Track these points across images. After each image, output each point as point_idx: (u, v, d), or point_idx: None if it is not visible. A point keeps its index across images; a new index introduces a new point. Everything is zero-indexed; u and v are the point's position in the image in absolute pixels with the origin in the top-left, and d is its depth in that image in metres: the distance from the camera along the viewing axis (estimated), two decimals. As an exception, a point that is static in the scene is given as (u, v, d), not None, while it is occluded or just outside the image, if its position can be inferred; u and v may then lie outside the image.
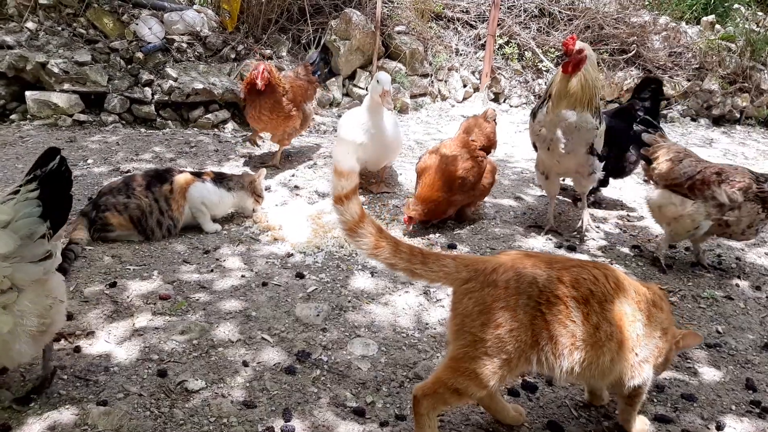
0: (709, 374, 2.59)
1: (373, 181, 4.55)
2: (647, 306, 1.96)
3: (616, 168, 4.32)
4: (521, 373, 2.24)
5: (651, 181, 3.63)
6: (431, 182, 3.64)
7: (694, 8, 9.63)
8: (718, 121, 8.29)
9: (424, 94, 7.49)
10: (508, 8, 8.19)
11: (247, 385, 2.28)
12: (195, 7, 6.75)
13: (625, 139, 3.99)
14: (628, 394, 2.04)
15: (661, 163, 3.49)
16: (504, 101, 7.88)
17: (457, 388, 1.82)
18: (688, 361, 2.67)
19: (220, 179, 3.61)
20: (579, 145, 3.53)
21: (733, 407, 2.38)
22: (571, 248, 3.71)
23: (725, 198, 3.26)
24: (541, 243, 3.79)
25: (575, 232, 3.94)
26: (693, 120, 8.21)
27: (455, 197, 3.69)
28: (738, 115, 8.35)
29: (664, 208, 3.45)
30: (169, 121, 5.90)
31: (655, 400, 2.38)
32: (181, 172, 3.55)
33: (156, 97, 5.85)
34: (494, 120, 4.13)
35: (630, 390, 2.01)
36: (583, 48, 3.40)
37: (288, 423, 2.08)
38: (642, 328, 1.92)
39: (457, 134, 3.99)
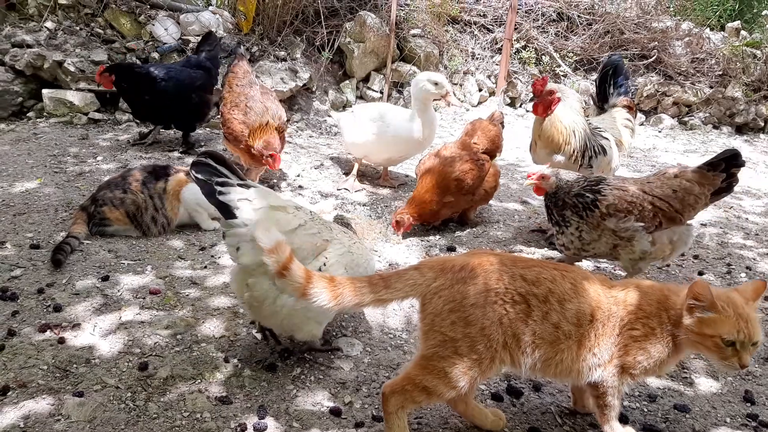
0: (706, 385, 2.50)
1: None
2: (611, 308, 1.88)
3: (200, 114, 5.10)
4: (493, 375, 2.17)
5: None
6: (425, 184, 3.60)
7: (719, 14, 9.42)
8: (741, 129, 8.08)
9: (437, 98, 7.43)
10: (525, 12, 8.11)
11: (226, 381, 2.26)
12: (211, 8, 6.82)
13: (202, 87, 4.96)
14: (595, 396, 1.96)
15: None
16: (520, 106, 7.79)
17: (426, 386, 1.79)
18: (685, 371, 2.58)
19: (217, 178, 3.60)
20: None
21: (728, 420, 2.29)
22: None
23: None
24: (542, 248, 3.72)
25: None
26: (715, 128, 8.01)
27: (449, 199, 3.62)
28: (762, 124, 8.11)
29: None
30: (182, 121, 5.94)
31: (645, 410, 2.30)
32: (177, 171, 3.55)
33: (169, 96, 5.91)
34: (501, 123, 4.08)
35: (593, 391, 1.95)
36: (554, 90, 3.36)
37: (261, 420, 2.05)
38: (602, 329, 1.86)
39: (460, 137, 3.94)
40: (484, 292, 1.77)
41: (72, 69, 5.63)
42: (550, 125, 3.44)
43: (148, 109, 4.97)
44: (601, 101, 4.23)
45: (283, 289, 1.95)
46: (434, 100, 4.33)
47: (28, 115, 5.68)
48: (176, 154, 4.98)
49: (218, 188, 2.06)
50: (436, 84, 4.11)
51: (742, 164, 2.90)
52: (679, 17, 8.95)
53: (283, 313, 2.18)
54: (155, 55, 6.11)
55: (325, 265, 2.23)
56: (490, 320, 1.76)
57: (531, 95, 7.78)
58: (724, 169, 2.89)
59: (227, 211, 2.07)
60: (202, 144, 5.43)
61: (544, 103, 3.42)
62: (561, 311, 1.82)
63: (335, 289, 1.79)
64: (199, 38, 6.39)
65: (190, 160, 4.81)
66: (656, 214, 2.88)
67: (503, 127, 4.11)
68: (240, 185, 2.11)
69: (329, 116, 6.50)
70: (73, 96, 5.66)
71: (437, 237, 3.74)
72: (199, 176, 2.05)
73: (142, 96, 4.86)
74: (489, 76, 7.79)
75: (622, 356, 1.89)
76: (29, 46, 5.77)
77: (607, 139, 3.74)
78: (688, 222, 3.00)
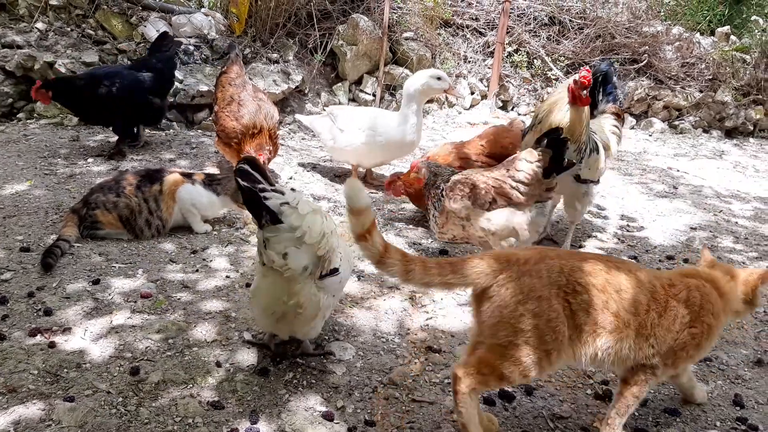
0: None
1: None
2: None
3: (155, 116, 4.99)
4: (558, 369, 2.23)
5: None
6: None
7: (708, 19, 9.50)
8: (730, 133, 8.15)
9: (431, 101, 7.44)
10: (517, 16, 8.14)
11: (218, 385, 2.25)
12: (203, 10, 6.80)
13: (151, 89, 4.79)
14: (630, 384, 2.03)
15: None
16: (512, 109, 7.82)
17: (503, 373, 1.86)
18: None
19: (210, 182, 3.59)
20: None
21: (718, 423, 2.31)
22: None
23: None
24: (534, 251, 3.73)
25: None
26: (705, 131, 8.08)
27: None
28: (751, 128, 8.20)
29: None
30: (174, 123, 5.93)
31: (636, 414, 2.31)
32: (172, 173, 3.54)
33: (161, 98, 5.89)
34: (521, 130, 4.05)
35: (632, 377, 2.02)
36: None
37: (253, 425, 2.05)
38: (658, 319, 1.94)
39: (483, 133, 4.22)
40: (548, 285, 1.85)
41: (63, 70, 5.59)
42: (577, 115, 3.38)
43: (95, 114, 4.80)
44: (590, 107, 4.24)
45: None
46: (436, 96, 4.47)
47: (18, 116, 5.63)
48: (168, 156, 4.96)
49: (262, 194, 2.01)
50: (439, 79, 4.16)
51: (563, 141, 3.00)
52: (669, 22, 9.02)
53: (318, 315, 2.23)
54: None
55: (340, 260, 2.27)
56: (555, 312, 1.84)
57: (532, 91, 7.82)
58: (548, 145, 3.01)
59: (274, 217, 2.02)
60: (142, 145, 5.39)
61: (582, 96, 3.39)
62: (619, 300, 1.89)
63: (407, 264, 1.86)
64: (192, 40, 6.39)
65: (182, 161, 4.80)
66: (487, 192, 3.10)
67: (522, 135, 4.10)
68: (274, 190, 2.06)
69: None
70: (63, 97, 5.61)
71: (429, 241, 3.75)
72: (244, 184, 1.99)
73: (86, 106, 4.69)
74: (481, 80, 7.82)
75: (675, 348, 1.98)
76: (19, 47, 5.73)
77: (597, 141, 3.76)
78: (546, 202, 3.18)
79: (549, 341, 1.84)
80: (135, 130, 5.08)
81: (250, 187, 1.99)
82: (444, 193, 3.22)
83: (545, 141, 3.03)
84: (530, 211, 3.11)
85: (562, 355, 1.89)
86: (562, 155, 3.01)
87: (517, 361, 1.85)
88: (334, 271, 2.24)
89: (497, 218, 3.10)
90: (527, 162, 3.07)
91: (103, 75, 4.74)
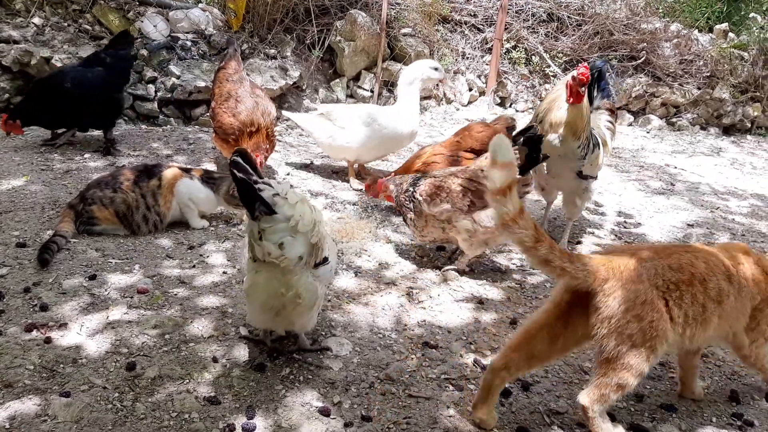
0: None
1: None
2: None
3: (114, 111, 4.91)
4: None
5: None
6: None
7: (707, 16, 9.49)
8: (728, 131, 8.16)
9: (428, 97, 7.45)
10: (516, 12, 8.13)
11: (214, 381, 2.25)
12: (201, 5, 6.77)
13: (116, 84, 4.82)
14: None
15: None
16: (510, 106, 7.82)
17: (619, 383, 1.97)
18: (672, 370, 2.60)
19: (208, 178, 3.58)
20: (565, 170, 3.49)
21: (714, 419, 2.31)
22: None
23: None
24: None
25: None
26: (702, 128, 8.09)
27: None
28: (749, 125, 8.21)
29: None
30: (172, 119, 5.92)
31: (632, 409, 2.32)
32: (170, 167, 3.53)
33: (159, 94, 5.88)
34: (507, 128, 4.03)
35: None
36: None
37: (250, 421, 2.05)
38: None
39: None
40: (649, 288, 1.96)
41: (59, 65, 5.56)
42: (578, 111, 3.38)
43: (62, 117, 4.76)
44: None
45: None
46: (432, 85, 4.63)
47: (14, 111, 5.61)
48: (165, 152, 4.94)
49: (257, 186, 2.01)
50: (436, 69, 4.37)
51: (539, 138, 3.09)
52: (667, 19, 9.01)
53: (316, 304, 2.26)
54: (144, 51, 6.06)
55: (328, 249, 2.30)
56: (657, 312, 1.95)
57: (530, 88, 7.81)
58: (524, 143, 3.07)
59: (268, 208, 2.02)
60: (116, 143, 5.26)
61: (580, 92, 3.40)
62: (704, 291, 2.03)
63: (539, 235, 1.92)
64: (190, 35, 6.38)
65: (179, 157, 4.79)
66: (465, 194, 3.10)
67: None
68: (264, 182, 2.06)
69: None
70: (60, 93, 5.59)
71: (427, 236, 3.74)
72: (240, 175, 1.99)
73: (54, 112, 4.67)
74: (479, 76, 7.81)
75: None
76: (16, 42, 5.70)
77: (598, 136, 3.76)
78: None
79: (652, 338, 1.96)
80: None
81: (245, 179, 1.98)
82: (417, 196, 3.19)
83: (521, 139, 3.08)
84: None
85: (662, 348, 2.01)
86: (537, 152, 3.08)
87: (628, 366, 1.96)
88: (325, 260, 2.26)
89: (480, 219, 3.10)
90: None
91: (54, 76, 4.72)
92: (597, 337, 1.97)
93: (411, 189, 3.25)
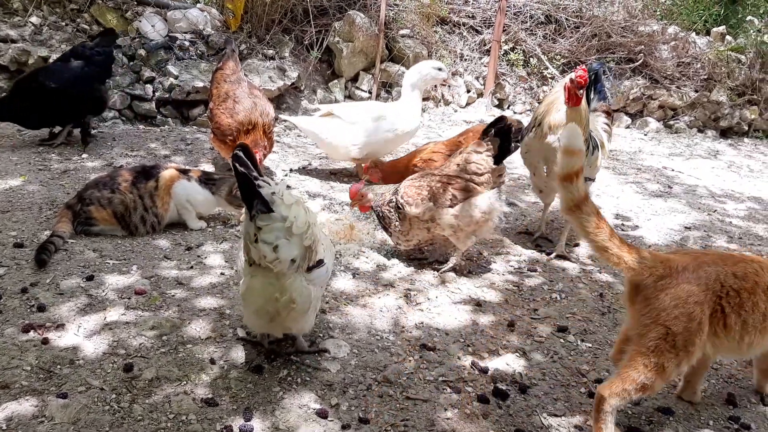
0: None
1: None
2: None
3: (99, 104, 4.91)
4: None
5: None
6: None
7: (704, 19, 9.52)
8: (725, 133, 8.18)
9: (427, 99, 7.45)
10: (514, 14, 8.14)
11: (212, 383, 2.24)
12: (199, 5, 6.77)
13: (84, 78, 4.69)
14: None
15: None
16: (508, 107, 7.83)
17: (645, 383, 1.99)
18: (669, 373, 2.60)
19: (206, 180, 3.57)
20: None
21: (711, 422, 2.32)
22: (562, 257, 3.65)
23: None
24: (529, 250, 3.74)
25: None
26: (700, 131, 8.11)
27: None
28: (746, 128, 8.23)
29: None
30: (170, 119, 5.92)
31: (630, 412, 2.32)
32: (168, 168, 3.52)
33: (157, 94, 5.88)
34: None
35: None
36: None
37: (247, 422, 2.05)
38: None
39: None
40: (705, 291, 1.99)
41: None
42: (577, 114, 3.38)
43: (43, 115, 4.75)
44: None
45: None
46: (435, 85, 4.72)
47: (12, 111, 5.59)
48: (163, 152, 4.94)
49: (257, 182, 1.99)
50: (440, 69, 4.51)
51: (509, 128, 3.18)
52: (665, 21, 9.03)
53: (310, 308, 2.26)
54: (142, 51, 6.05)
55: (324, 252, 2.31)
56: (707, 316, 1.99)
57: (528, 90, 7.82)
58: (496, 134, 3.18)
59: (266, 206, 2.00)
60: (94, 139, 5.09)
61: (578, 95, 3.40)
62: (766, 300, 2.05)
63: (600, 221, 2.03)
64: (188, 35, 6.37)
65: (177, 157, 4.78)
66: (446, 189, 3.16)
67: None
68: (262, 179, 2.04)
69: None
70: (58, 92, 5.58)
71: (425, 238, 3.74)
72: (241, 169, 1.97)
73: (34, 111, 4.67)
74: (477, 78, 7.82)
75: None
76: (14, 42, 5.70)
77: (597, 138, 3.76)
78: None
79: (695, 342, 2.00)
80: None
81: (246, 173, 1.98)
82: (400, 199, 3.20)
83: (492, 131, 3.19)
84: (489, 198, 3.18)
85: (699, 353, 2.05)
86: (509, 142, 3.19)
87: (660, 368, 1.99)
88: (320, 263, 2.26)
89: (462, 212, 3.16)
90: (477, 153, 3.21)
91: (34, 76, 4.70)
92: (640, 326, 2.01)
93: (394, 198, 3.25)
